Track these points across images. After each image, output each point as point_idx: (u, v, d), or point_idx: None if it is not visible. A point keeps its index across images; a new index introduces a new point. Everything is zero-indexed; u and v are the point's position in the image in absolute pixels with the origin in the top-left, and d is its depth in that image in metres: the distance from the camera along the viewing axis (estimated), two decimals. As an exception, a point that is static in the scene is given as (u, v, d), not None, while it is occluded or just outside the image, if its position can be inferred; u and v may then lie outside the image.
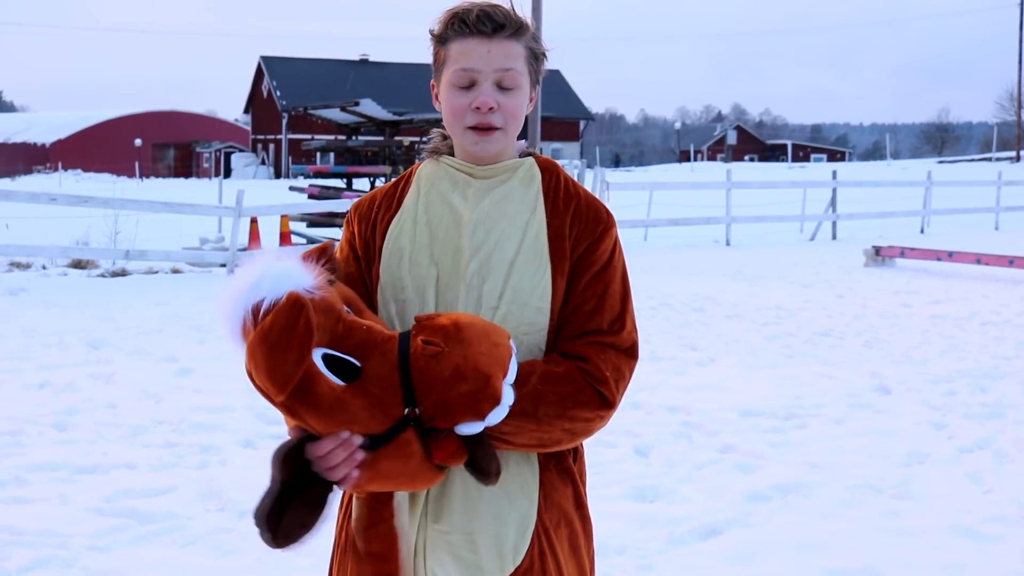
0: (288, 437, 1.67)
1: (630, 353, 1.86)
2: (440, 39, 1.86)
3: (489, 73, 1.81)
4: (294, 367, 1.54)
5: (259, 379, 1.58)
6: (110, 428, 5.76)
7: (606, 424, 1.83)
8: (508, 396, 1.65)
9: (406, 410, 1.61)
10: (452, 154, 1.92)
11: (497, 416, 1.64)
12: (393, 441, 1.61)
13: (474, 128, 1.83)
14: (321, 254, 1.77)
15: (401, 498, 1.80)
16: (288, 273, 1.62)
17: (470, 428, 1.62)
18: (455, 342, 1.63)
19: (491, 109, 1.81)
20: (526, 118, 1.93)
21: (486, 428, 1.69)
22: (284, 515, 1.60)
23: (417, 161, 2.01)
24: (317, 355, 1.59)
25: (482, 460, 1.69)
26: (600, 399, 1.78)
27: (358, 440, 1.60)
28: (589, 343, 1.82)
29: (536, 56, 1.88)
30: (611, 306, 1.85)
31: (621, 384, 1.83)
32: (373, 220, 1.93)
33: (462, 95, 1.83)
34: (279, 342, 1.53)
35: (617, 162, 63.07)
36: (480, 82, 1.82)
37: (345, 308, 1.68)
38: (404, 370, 1.61)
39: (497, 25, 1.81)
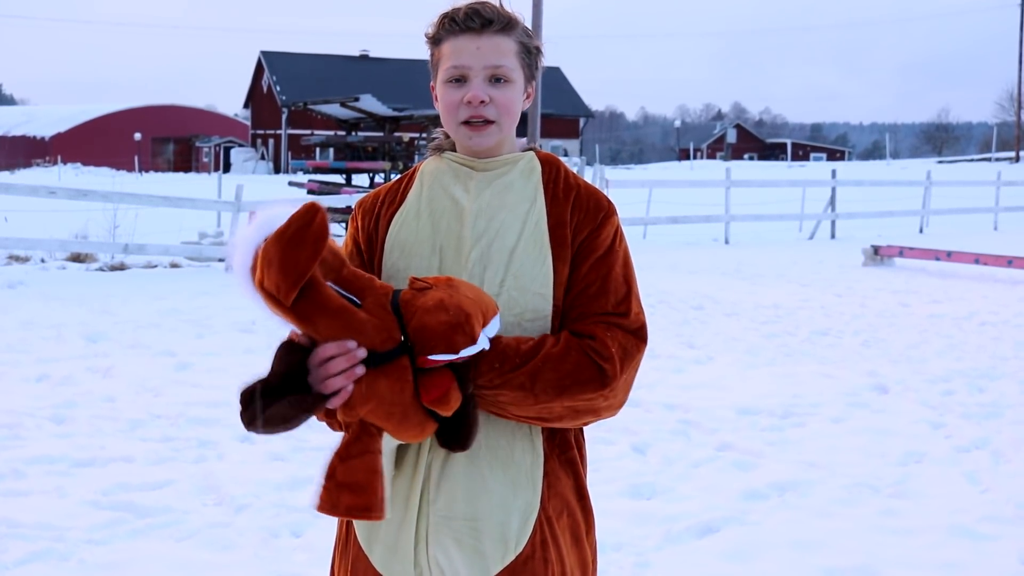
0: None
1: (638, 335, 1.87)
2: (434, 40, 1.91)
3: (480, 69, 1.86)
4: (307, 262, 1.59)
5: (271, 280, 1.60)
6: (108, 422, 5.77)
7: (615, 404, 1.84)
8: (483, 341, 1.70)
9: (402, 338, 1.68)
10: (455, 150, 1.96)
11: (469, 352, 1.68)
12: (393, 363, 1.67)
13: (467, 123, 1.87)
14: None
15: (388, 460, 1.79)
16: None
17: (442, 357, 1.67)
18: (444, 286, 1.72)
19: (482, 102, 1.86)
20: (526, 115, 1.95)
21: (481, 397, 1.76)
22: (270, 404, 1.63)
23: (419, 157, 2.04)
24: None
25: (461, 424, 1.74)
26: (601, 376, 1.79)
27: (362, 353, 1.65)
28: (596, 322, 1.84)
29: (529, 50, 1.92)
30: (615, 289, 1.87)
31: (628, 363, 1.83)
32: (376, 214, 1.97)
33: (455, 91, 1.88)
34: (295, 238, 1.58)
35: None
36: (471, 78, 1.86)
37: None
38: (395, 304, 1.69)
39: (485, 21, 1.86)
